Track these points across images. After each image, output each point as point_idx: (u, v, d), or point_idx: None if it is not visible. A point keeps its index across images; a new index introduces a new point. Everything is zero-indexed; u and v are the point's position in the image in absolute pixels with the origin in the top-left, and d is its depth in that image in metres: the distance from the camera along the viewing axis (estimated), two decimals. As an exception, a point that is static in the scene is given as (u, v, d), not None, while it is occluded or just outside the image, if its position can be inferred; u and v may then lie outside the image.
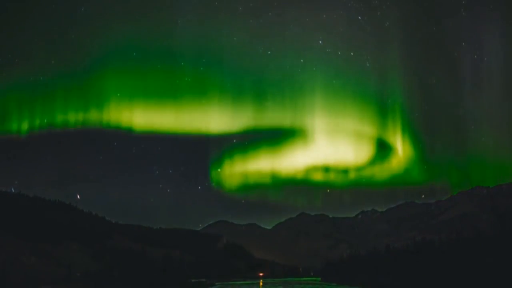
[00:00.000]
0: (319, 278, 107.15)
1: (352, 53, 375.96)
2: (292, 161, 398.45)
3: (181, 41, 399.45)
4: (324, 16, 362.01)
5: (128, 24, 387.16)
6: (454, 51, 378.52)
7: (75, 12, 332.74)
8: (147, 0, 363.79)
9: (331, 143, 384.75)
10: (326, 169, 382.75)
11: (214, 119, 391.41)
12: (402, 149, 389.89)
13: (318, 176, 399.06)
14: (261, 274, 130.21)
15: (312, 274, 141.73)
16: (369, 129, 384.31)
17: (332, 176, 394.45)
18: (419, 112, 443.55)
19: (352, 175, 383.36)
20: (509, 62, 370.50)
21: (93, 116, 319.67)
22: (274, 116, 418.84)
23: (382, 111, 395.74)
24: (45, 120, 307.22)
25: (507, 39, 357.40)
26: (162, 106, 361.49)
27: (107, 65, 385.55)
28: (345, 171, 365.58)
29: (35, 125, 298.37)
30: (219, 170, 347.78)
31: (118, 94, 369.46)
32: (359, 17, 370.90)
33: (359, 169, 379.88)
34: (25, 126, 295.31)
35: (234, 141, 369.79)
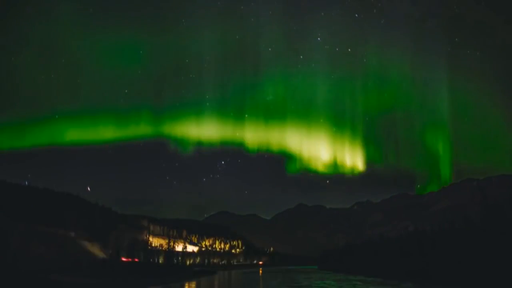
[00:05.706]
0: (316, 266, 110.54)
1: (349, 49, 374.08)
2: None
3: (185, 40, 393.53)
4: (322, 13, 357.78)
5: (133, 24, 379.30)
6: (447, 46, 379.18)
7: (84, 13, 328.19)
8: (153, 1, 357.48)
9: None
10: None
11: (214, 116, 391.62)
12: (397, 143, 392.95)
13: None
14: (260, 262, 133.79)
15: (309, 262, 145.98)
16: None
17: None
18: (415, 107, 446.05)
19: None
20: (507, 58, 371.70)
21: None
22: (274, 113, 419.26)
23: (379, 106, 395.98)
24: (56, 117, 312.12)
25: (504, 36, 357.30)
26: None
27: (111, 64, 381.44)
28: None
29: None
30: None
31: (126, 91, 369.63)
32: (356, 15, 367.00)
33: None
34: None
35: (237, 135, 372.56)
